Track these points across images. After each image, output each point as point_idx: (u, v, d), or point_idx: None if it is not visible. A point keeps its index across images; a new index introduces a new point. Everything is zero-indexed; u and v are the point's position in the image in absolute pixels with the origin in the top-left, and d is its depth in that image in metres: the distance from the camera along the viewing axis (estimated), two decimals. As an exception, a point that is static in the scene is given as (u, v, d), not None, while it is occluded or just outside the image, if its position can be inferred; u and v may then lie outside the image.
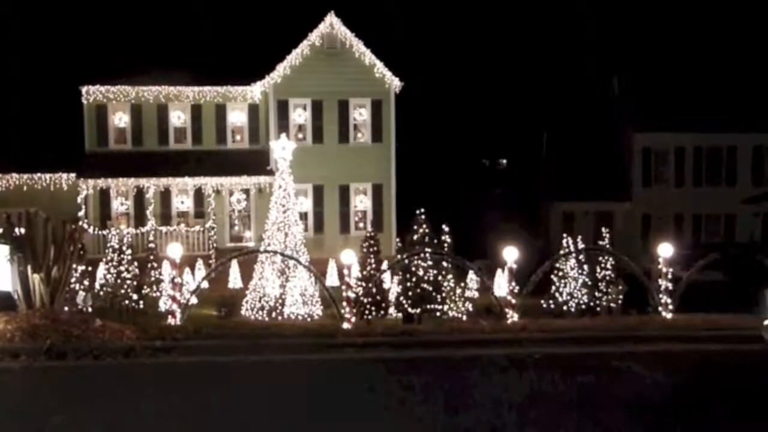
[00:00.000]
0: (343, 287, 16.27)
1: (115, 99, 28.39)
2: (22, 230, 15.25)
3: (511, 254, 16.85)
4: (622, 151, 34.12)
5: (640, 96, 33.78)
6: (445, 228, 18.26)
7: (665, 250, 17.40)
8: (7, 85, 31.05)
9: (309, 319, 17.00)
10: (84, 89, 28.10)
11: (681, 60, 34.66)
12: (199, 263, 24.40)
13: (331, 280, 23.47)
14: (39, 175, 27.14)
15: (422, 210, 18.01)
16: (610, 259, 19.19)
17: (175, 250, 15.94)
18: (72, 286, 16.42)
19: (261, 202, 27.46)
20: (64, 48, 31.33)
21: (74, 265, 15.89)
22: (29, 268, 14.48)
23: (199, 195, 27.86)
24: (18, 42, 34.86)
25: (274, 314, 17.60)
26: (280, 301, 17.79)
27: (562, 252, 18.43)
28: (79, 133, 28.36)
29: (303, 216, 25.88)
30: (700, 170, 33.32)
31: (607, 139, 34.26)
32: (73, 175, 27.13)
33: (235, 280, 24.11)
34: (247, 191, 28.35)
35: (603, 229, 19.78)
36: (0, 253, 14.73)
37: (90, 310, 16.65)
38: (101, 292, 18.27)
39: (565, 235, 19.28)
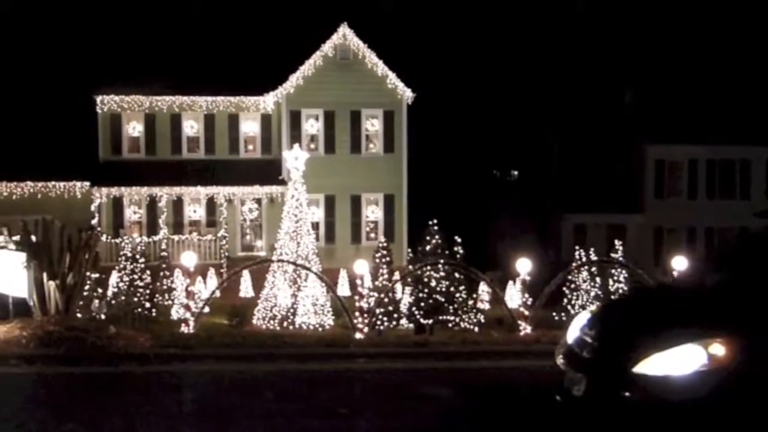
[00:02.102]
0: (356, 297, 16.28)
1: (129, 108, 28.60)
2: (34, 237, 15.38)
3: (524, 266, 16.83)
4: (634, 163, 34.06)
5: (652, 108, 33.75)
6: (458, 239, 18.27)
7: (679, 263, 17.34)
8: (22, 94, 31.29)
9: (320, 329, 17.02)
10: (99, 98, 28.34)
11: (694, 72, 34.61)
12: (211, 272, 24.48)
13: (343, 290, 23.48)
14: (53, 183, 27.36)
15: (435, 221, 18.03)
16: (623, 271, 19.17)
17: (189, 259, 16.00)
18: (86, 293, 16.52)
19: (272, 211, 27.55)
20: (79, 57, 31.56)
21: (89, 273, 15.98)
22: (45, 275, 14.58)
23: (211, 204, 27.99)
24: (33, 52, 35.12)
25: (285, 324, 17.64)
26: (291, 310, 17.84)
27: (574, 264, 18.40)
28: (93, 141, 28.59)
29: (315, 226, 25.87)
30: (713, 183, 33.22)
31: (620, 151, 34.20)
32: (86, 183, 27.31)
33: (246, 289, 24.17)
34: (258, 201, 28.46)
35: (616, 242, 19.76)
36: (16, 260, 14.85)
37: (104, 317, 16.73)
38: (114, 300, 18.38)
39: (577, 247, 19.28)
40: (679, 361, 5.24)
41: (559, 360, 6.44)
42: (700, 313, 5.81)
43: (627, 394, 5.44)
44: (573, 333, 6.43)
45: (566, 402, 6.08)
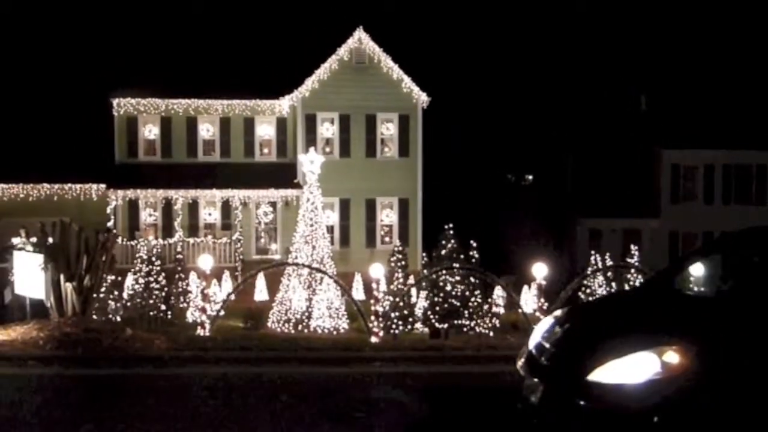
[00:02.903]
0: (372, 301, 16.27)
1: (145, 111, 28.74)
2: (51, 239, 15.46)
3: (540, 270, 16.77)
4: (650, 167, 33.89)
5: (668, 112, 33.61)
6: (473, 243, 18.23)
7: (697, 269, 17.16)
8: (39, 97, 31.54)
9: (335, 333, 17.02)
10: (115, 101, 28.49)
11: (710, 76, 34.44)
12: (226, 275, 24.53)
13: (357, 293, 23.49)
14: (69, 185, 27.55)
15: (450, 225, 18.01)
16: (639, 276, 19.05)
17: (205, 262, 16.05)
18: (102, 295, 16.58)
19: (287, 215, 27.64)
20: (95, 61, 31.81)
21: (105, 275, 16.04)
22: (62, 276, 14.64)
23: (226, 207, 28.07)
24: (50, 55, 35.39)
25: (300, 327, 17.65)
26: (306, 314, 17.85)
27: (590, 269, 18.32)
28: (110, 144, 28.77)
29: (329, 229, 25.96)
30: (729, 188, 33.02)
31: (635, 155, 34.06)
32: (102, 185, 27.47)
33: (260, 292, 24.21)
34: (273, 204, 28.52)
35: (632, 246, 19.66)
36: (34, 261, 14.92)
37: (119, 319, 16.79)
38: (129, 303, 18.46)
39: (593, 252, 19.18)
40: (632, 369, 5.16)
41: (519, 365, 6.32)
42: (659, 320, 5.74)
43: (581, 402, 5.34)
44: (534, 338, 6.32)
45: (525, 410, 5.96)
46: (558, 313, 7.14)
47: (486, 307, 17.97)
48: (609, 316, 6.32)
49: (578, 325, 6.18)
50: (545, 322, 6.55)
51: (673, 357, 5.11)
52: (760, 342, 5.22)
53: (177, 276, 22.23)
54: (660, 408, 5.06)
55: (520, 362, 6.33)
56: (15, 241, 18.32)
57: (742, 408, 5.03)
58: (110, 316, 16.76)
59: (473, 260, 18.19)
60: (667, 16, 44.92)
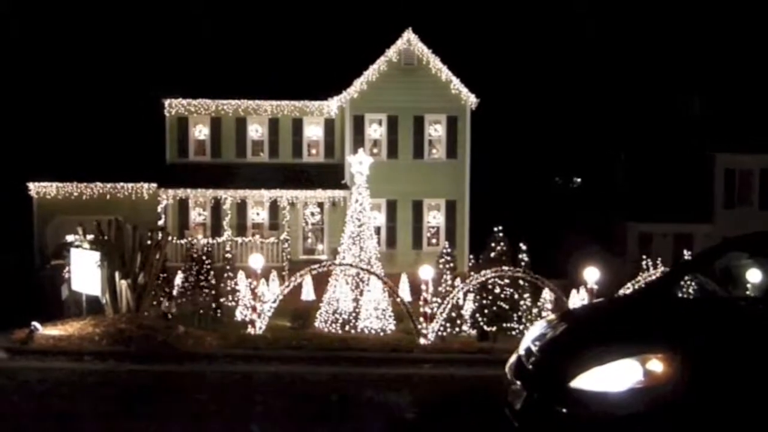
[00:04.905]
0: (421, 302, 16.24)
1: (196, 112, 29.11)
2: (106, 237, 15.75)
3: (592, 275, 16.55)
4: (702, 171, 33.21)
5: (722, 115, 32.89)
6: (523, 246, 18.08)
7: (754, 276, 16.76)
8: (93, 98, 32.20)
9: (382, 334, 17.02)
10: (167, 102, 28.91)
11: (764, 78, 33.62)
12: (273, 274, 24.70)
13: (403, 295, 23.41)
14: (121, 184, 27.99)
15: (500, 228, 17.89)
16: (692, 283, 18.66)
17: (256, 261, 16.18)
18: (154, 293, 16.85)
19: (334, 215, 27.74)
20: (148, 63, 32.34)
21: (158, 273, 16.30)
22: (117, 274, 14.91)
23: (274, 207, 28.27)
24: (104, 57, 36.12)
25: (347, 327, 17.70)
26: (353, 314, 17.89)
27: (645, 274, 18.01)
28: (161, 144, 29.18)
29: (376, 230, 25.96)
30: (786, 193, 32.21)
31: (688, 159, 33.41)
32: (153, 185, 27.86)
33: (308, 292, 24.31)
34: (321, 204, 28.62)
35: (684, 251, 19.27)
36: (90, 258, 15.23)
37: (171, 317, 17.03)
38: (179, 300, 18.72)
39: (644, 256, 18.86)
40: (615, 377, 5.03)
41: (507, 370, 6.20)
42: (645, 326, 5.58)
43: (563, 409, 5.20)
44: (525, 342, 6.19)
45: (511, 416, 5.83)
46: (551, 317, 7.03)
47: (535, 310, 17.81)
48: (597, 321, 6.18)
49: (565, 331, 6.03)
50: (537, 327, 6.42)
51: (656, 365, 4.97)
52: (747, 350, 5.05)
53: (226, 275, 22.51)
54: (642, 417, 4.93)
55: (507, 367, 6.23)
56: (69, 238, 18.74)
57: (726, 419, 4.87)
58: (163, 313, 16.99)
59: (522, 263, 18.04)
60: (723, 16, 44.01)
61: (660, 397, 4.93)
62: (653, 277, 16.01)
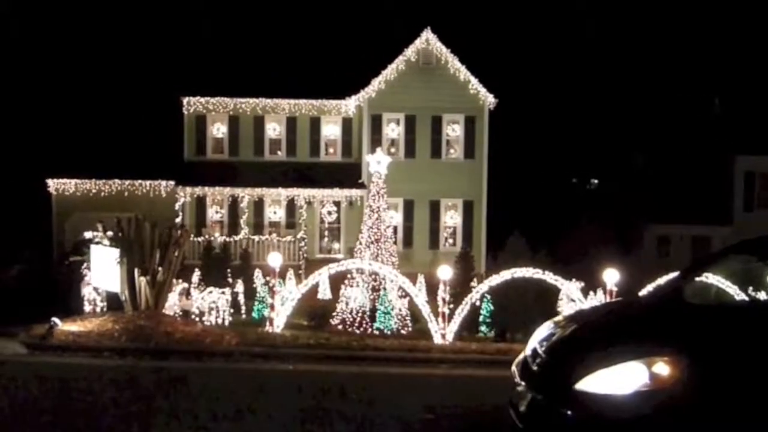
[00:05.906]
0: (440, 302, 16.18)
1: (214, 110, 29.20)
2: (126, 234, 15.82)
3: (611, 276, 16.43)
4: (722, 174, 32.93)
5: (742, 117, 32.59)
6: (540, 247, 17.99)
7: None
8: (112, 95, 32.40)
9: (399, 334, 16.97)
10: (185, 100, 29.01)
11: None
12: (290, 273, 24.71)
13: (421, 295, 23.35)
14: (140, 181, 28.11)
15: (517, 229, 17.82)
16: (707, 285, 18.47)
17: (274, 259, 16.19)
18: (173, 290, 16.89)
19: (351, 214, 27.74)
20: (166, 61, 32.50)
21: (177, 270, 16.34)
22: (136, 271, 14.97)
23: (291, 206, 28.31)
24: (123, 56, 36.33)
25: (364, 327, 17.66)
26: (370, 314, 17.85)
27: (663, 276, 17.84)
28: (179, 142, 29.30)
29: (393, 230, 25.94)
30: (806, 196, 31.88)
31: (707, 161, 33.14)
32: (171, 182, 27.98)
33: (324, 291, 24.30)
34: (338, 203, 28.64)
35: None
36: (110, 255, 15.30)
37: (190, 314, 17.06)
38: (198, 298, 18.72)
39: (661, 259, 18.69)
40: (620, 379, 4.97)
41: (513, 371, 6.13)
42: (653, 329, 5.48)
43: (567, 411, 5.15)
44: (531, 343, 6.11)
45: (515, 417, 5.77)
46: (558, 318, 6.95)
47: (552, 312, 17.68)
48: (604, 323, 6.09)
49: (572, 332, 5.96)
50: (544, 328, 6.33)
51: (662, 368, 4.92)
52: (754, 354, 4.98)
53: (243, 273, 22.53)
54: (647, 420, 4.88)
55: (513, 368, 6.16)
56: (87, 235, 18.81)
57: (732, 424, 4.81)
58: (182, 310, 17.02)
59: (539, 264, 17.93)
60: (744, 18, 43.68)
61: (666, 401, 4.89)
62: (663, 280, 15.88)
